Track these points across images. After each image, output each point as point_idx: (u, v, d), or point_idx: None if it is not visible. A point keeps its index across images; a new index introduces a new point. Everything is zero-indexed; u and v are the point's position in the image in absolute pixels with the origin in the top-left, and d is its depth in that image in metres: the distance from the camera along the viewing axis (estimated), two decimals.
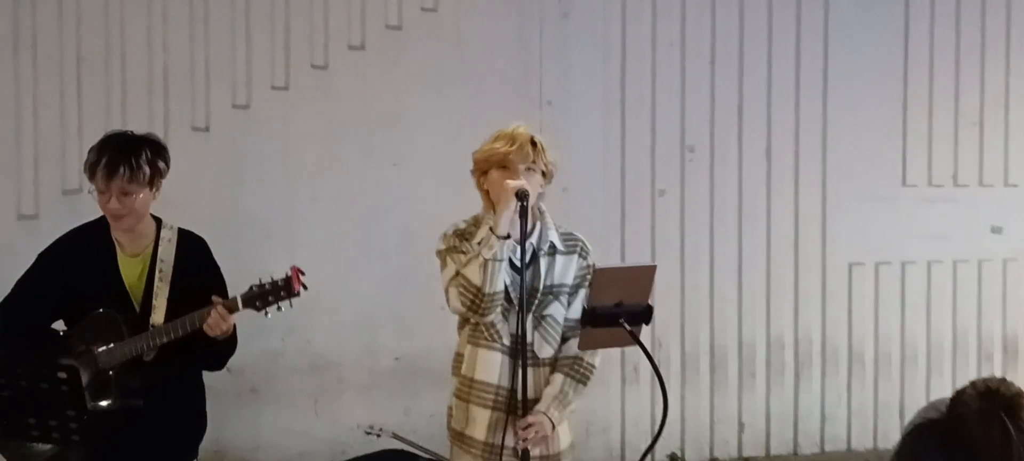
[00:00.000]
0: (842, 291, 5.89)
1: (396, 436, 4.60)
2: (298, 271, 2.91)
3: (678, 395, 5.67)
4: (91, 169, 3.03)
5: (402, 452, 4.59)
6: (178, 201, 4.67)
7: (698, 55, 5.61)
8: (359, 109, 5.11)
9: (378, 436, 4.59)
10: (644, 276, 2.59)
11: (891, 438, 5.99)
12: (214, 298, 2.93)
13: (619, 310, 2.56)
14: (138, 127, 4.72)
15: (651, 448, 2.87)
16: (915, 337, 6.01)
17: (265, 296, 2.94)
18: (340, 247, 5.10)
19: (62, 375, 2.44)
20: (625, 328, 2.56)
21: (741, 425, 5.78)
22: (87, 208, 4.72)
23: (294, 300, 3.00)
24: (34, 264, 3.18)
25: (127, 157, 3.02)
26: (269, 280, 2.93)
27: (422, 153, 5.20)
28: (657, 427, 2.76)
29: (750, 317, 5.76)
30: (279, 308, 2.95)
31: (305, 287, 2.92)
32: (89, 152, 3.07)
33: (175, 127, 4.87)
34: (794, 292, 5.82)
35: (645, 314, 2.60)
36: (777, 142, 5.75)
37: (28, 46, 4.67)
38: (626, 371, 5.55)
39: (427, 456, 4.52)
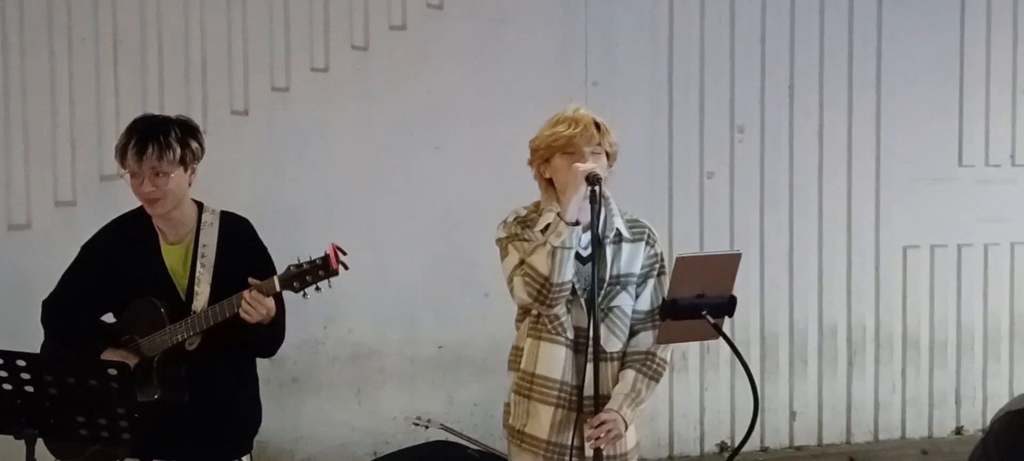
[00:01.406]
0: (896, 275, 5.72)
1: (444, 427, 4.48)
2: (337, 249, 2.77)
3: (728, 383, 5.52)
4: (122, 152, 2.91)
5: (450, 443, 4.48)
6: (216, 185, 4.56)
7: (748, 32, 5.43)
8: (400, 91, 4.98)
9: (426, 427, 4.48)
10: (728, 265, 2.43)
11: (946, 426, 5.83)
12: (250, 280, 2.80)
13: (701, 301, 2.40)
14: (175, 111, 4.69)
15: (743, 443, 2.70)
16: (972, 322, 5.83)
17: (303, 276, 2.79)
18: (380, 232, 4.98)
19: (112, 371, 2.32)
20: (709, 321, 2.40)
21: (792, 414, 5.63)
22: (124, 195, 4.59)
23: (333, 280, 2.83)
24: (77, 257, 3.08)
25: (156, 135, 2.89)
26: (307, 259, 2.79)
27: (464, 136, 5.07)
28: (751, 419, 2.59)
29: (801, 303, 5.60)
30: (318, 288, 2.80)
31: (345, 266, 2.77)
32: (119, 139, 2.95)
33: (213, 111, 4.75)
34: (847, 277, 5.66)
35: (729, 306, 2.44)
36: (829, 122, 5.58)
37: (63, 30, 4.56)
38: (674, 358, 5.38)
39: (476, 447, 4.41)
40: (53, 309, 3.04)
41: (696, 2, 5.35)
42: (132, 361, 2.86)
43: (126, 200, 4.59)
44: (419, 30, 4.99)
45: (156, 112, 4.63)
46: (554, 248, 2.62)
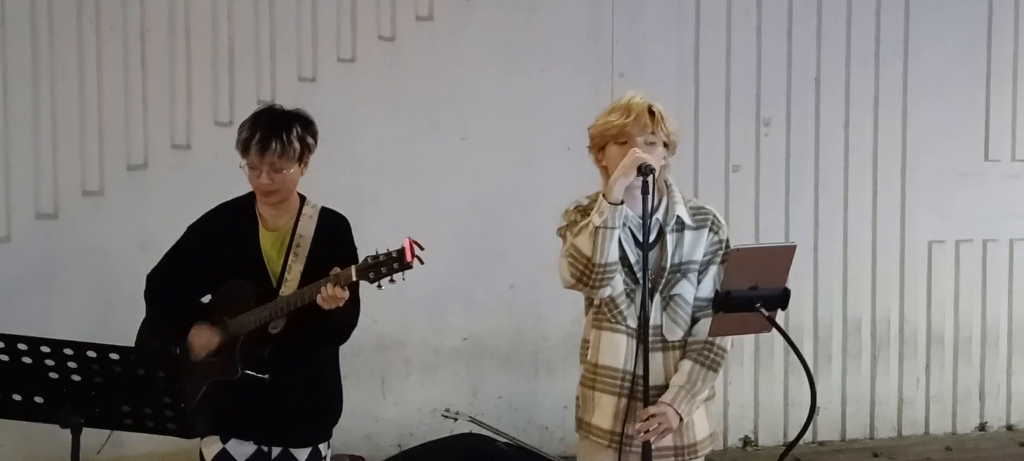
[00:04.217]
0: (921, 270, 5.69)
1: (473, 420, 4.47)
2: (414, 243, 2.80)
3: (751, 378, 5.50)
4: (244, 145, 3.00)
5: (478, 436, 4.47)
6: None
7: (775, 23, 5.40)
8: (426, 81, 4.96)
9: (455, 419, 4.46)
10: (782, 257, 2.40)
11: (970, 423, 5.81)
12: (332, 271, 2.87)
13: (755, 294, 2.38)
14: (203, 100, 4.72)
15: (797, 439, 2.70)
16: (997, 318, 5.80)
17: (379, 267, 2.85)
18: (406, 223, 4.83)
19: (159, 362, 2.32)
20: (762, 314, 2.38)
21: (816, 408, 5.59)
22: (154, 185, 4.66)
23: (406, 273, 2.87)
24: (182, 237, 3.19)
25: (279, 133, 2.98)
26: (384, 252, 2.84)
27: (490, 126, 5.06)
28: (808, 414, 2.58)
29: (826, 297, 5.57)
30: (392, 280, 2.85)
31: (421, 260, 2.81)
32: (240, 128, 3.05)
33: (240, 101, 4.73)
34: (872, 271, 5.63)
35: (782, 298, 2.42)
36: (856, 115, 5.55)
37: (91, 17, 4.55)
38: None
39: (505, 441, 4.40)
40: (155, 283, 3.15)
41: None
42: (217, 339, 2.98)
43: (154, 190, 4.65)
44: (446, 20, 4.97)
45: (184, 100, 4.72)
46: (596, 227, 2.59)
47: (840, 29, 5.48)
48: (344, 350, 4.94)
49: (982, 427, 5.82)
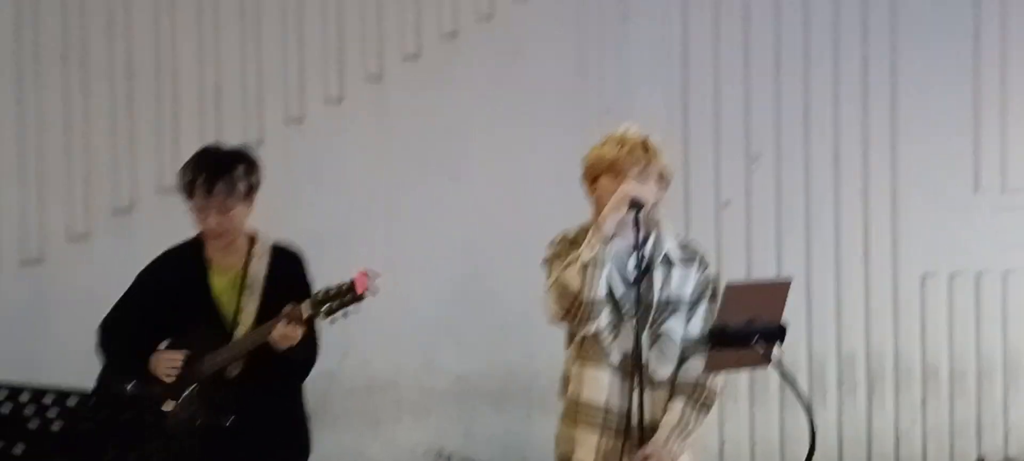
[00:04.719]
0: (915, 304, 5.65)
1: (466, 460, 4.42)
2: (366, 273, 2.76)
3: (747, 414, 5.45)
4: (188, 188, 3.01)
5: None
6: None
7: (762, 57, 5.41)
8: (415, 121, 4.96)
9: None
10: (777, 292, 2.39)
11: (968, 457, 5.75)
12: (284, 309, 2.80)
13: (751, 329, 2.35)
14: (189, 142, 4.67)
15: None
16: (992, 351, 5.74)
17: (330, 301, 2.83)
18: (396, 263, 4.87)
19: (146, 406, 2.26)
20: (759, 350, 2.35)
21: (814, 449, 5.53)
22: (139, 228, 4.62)
23: (359, 306, 2.84)
24: (132, 284, 3.20)
25: (223, 174, 2.99)
26: (335, 285, 2.80)
27: (479, 165, 5.04)
28: (807, 455, 2.54)
29: (819, 332, 5.53)
30: (346, 314, 2.80)
31: (373, 290, 2.76)
32: (183, 170, 3.00)
33: (227, 141, 4.69)
34: (865, 305, 5.59)
35: (779, 333, 2.39)
36: (845, 147, 5.54)
37: (78, 59, 4.55)
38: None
39: None
40: (107, 332, 3.13)
41: (709, 26, 5.33)
42: (178, 356, 2.94)
43: (142, 234, 4.61)
44: (433, 60, 4.98)
45: (171, 143, 4.69)
46: (585, 263, 2.57)
47: (827, 62, 5.49)
48: (335, 391, 4.96)
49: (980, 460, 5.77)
